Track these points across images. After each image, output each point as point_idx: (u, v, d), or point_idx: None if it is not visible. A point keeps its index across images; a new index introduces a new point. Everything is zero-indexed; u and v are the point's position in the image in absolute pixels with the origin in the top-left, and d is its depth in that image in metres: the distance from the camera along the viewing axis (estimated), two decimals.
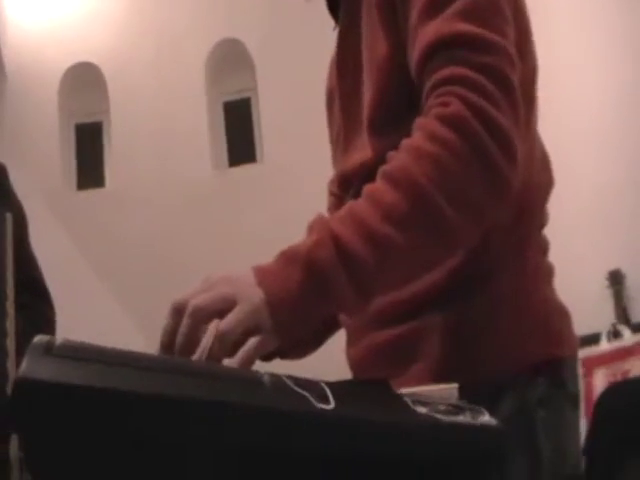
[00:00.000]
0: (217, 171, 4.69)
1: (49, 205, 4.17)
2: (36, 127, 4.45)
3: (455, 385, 0.71)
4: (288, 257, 0.77)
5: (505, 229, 0.94)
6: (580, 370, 2.62)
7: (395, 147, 0.88)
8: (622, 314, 3.65)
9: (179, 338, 0.73)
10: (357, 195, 0.90)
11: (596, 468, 1.69)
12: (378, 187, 0.82)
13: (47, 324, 1.78)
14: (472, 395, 0.85)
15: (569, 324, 1.04)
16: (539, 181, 1.02)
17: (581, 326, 3.32)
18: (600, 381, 2.92)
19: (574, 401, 1.02)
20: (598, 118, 3.93)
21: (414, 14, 0.92)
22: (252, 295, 0.75)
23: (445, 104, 0.83)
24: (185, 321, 0.73)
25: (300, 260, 0.76)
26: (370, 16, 1.02)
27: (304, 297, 0.76)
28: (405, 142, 0.85)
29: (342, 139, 1.09)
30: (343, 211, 0.82)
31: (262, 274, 0.77)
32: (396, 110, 0.95)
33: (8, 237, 1.13)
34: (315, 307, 0.78)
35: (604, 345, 3.11)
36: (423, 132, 0.84)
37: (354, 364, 1.03)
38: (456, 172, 0.81)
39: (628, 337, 3.03)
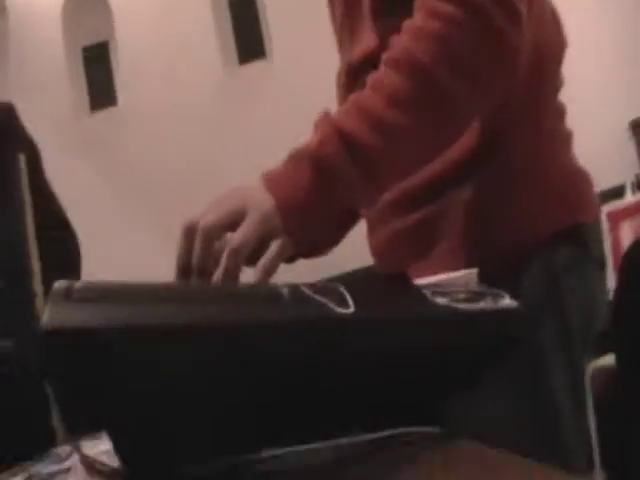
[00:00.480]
0: (227, 69, 4.62)
1: (64, 130, 4.17)
2: (42, 54, 4.40)
3: (474, 270, 0.71)
4: (295, 158, 0.76)
5: (518, 96, 0.91)
6: (606, 225, 2.61)
7: (400, 30, 0.85)
8: None
9: (194, 260, 0.73)
10: (365, 84, 0.89)
11: (627, 320, 1.71)
12: (380, 73, 0.80)
13: (73, 258, 1.81)
14: (497, 267, 0.86)
15: (590, 188, 1.03)
16: (550, 43, 0.99)
17: (605, 179, 3.30)
18: (626, 234, 2.88)
19: (599, 264, 1.02)
20: None
21: None
22: (261, 203, 0.74)
23: None
24: (197, 241, 0.72)
25: (307, 159, 0.75)
26: None
27: (315, 196, 0.75)
28: (406, 24, 0.82)
29: (346, 28, 1.06)
30: (347, 103, 0.79)
31: (270, 179, 0.75)
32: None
33: (24, 178, 1.14)
34: (328, 205, 0.77)
35: (629, 197, 3.07)
36: (423, 10, 0.81)
37: (376, 252, 1.03)
38: (460, 43, 0.79)
39: None
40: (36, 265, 1.12)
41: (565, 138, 1.03)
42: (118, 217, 4.09)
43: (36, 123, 4.01)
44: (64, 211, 1.80)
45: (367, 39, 0.99)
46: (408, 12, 0.86)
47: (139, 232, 4.08)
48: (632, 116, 4.05)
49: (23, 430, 1.02)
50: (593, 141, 3.91)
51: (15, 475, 0.78)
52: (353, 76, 1.06)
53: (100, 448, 0.70)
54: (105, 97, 4.49)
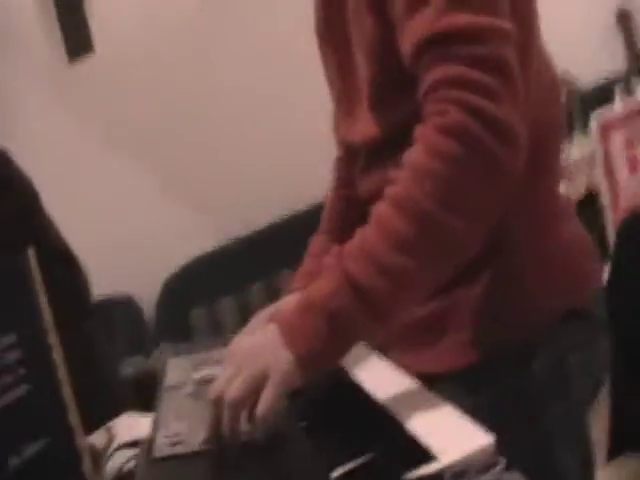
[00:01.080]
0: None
1: (44, 82, 4.11)
2: (11, 6, 4.29)
3: (490, 440, 0.76)
4: (309, 308, 0.83)
5: (516, 191, 0.94)
6: (596, 136, 2.61)
7: (400, 121, 0.93)
8: (635, 59, 3.56)
9: (225, 430, 0.80)
10: (364, 168, 0.94)
11: (620, 304, 1.75)
12: (386, 214, 0.85)
13: (82, 290, 1.85)
14: (506, 355, 0.91)
15: (591, 256, 1.07)
16: (546, 119, 1.01)
17: (593, 73, 3.28)
18: (617, 146, 2.87)
19: (603, 326, 1.06)
20: None
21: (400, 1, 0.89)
22: (281, 362, 0.82)
23: (442, 113, 0.83)
24: (226, 416, 0.80)
25: (321, 312, 0.82)
26: None
27: (331, 346, 0.83)
28: (407, 158, 0.87)
29: (343, 100, 1.09)
30: (355, 244, 0.86)
31: (288, 334, 0.83)
32: (395, 86, 0.96)
33: (36, 275, 1.16)
34: (343, 349, 0.87)
35: (618, 105, 3.04)
36: (423, 145, 0.84)
37: (382, 342, 1.08)
38: (461, 184, 0.83)
39: None
40: (59, 356, 1.16)
41: (564, 210, 1.06)
42: (108, 167, 4.09)
43: (16, 76, 3.96)
44: (68, 245, 1.83)
45: (366, 124, 1.02)
46: (409, 101, 0.88)
47: (132, 180, 4.09)
48: (618, 5, 3.98)
49: None
50: (577, 35, 3.85)
51: None
52: (352, 155, 1.09)
53: None
54: (81, 45, 4.40)
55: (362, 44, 1.01)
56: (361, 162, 1.07)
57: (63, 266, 1.78)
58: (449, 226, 0.83)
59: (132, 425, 1.49)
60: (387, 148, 1.01)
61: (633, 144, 2.75)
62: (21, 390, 1.09)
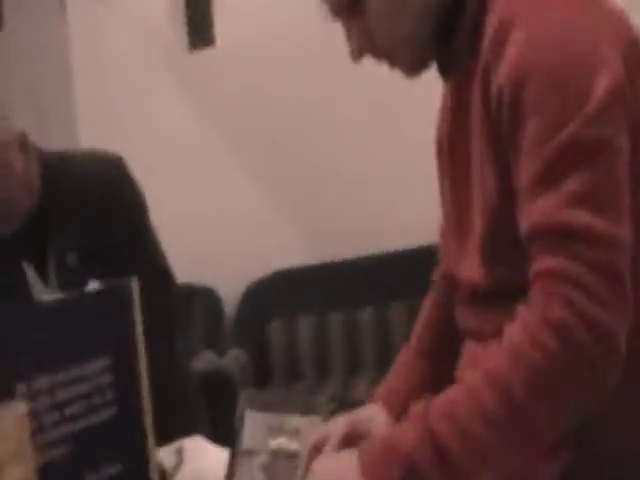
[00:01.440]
0: None
1: (161, 66, 4.21)
2: None
3: None
4: (391, 453, 0.87)
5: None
6: None
7: (508, 278, 0.97)
8: None
9: None
10: (465, 302, 0.96)
11: None
12: (479, 386, 0.88)
13: (172, 309, 1.90)
14: None
15: None
16: None
17: None
18: None
19: None
20: None
21: (525, 172, 0.92)
22: None
23: (549, 305, 0.86)
24: None
25: (402, 459, 0.87)
26: (480, 131, 1.01)
27: None
28: (508, 337, 0.89)
29: (452, 222, 1.11)
30: (444, 404, 0.90)
31: (367, 471, 0.88)
32: (507, 246, 0.98)
33: (136, 304, 1.21)
34: None
35: None
36: (526, 333, 0.87)
37: None
38: (555, 381, 0.86)
39: None
40: (145, 385, 1.20)
41: None
42: (215, 160, 4.16)
43: (140, 57, 4.05)
44: (167, 264, 1.87)
45: (473, 271, 1.06)
46: (518, 262, 0.90)
47: (234, 175, 4.15)
48: None
49: None
50: None
51: None
52: (452, 287, 1.15)
53: None
54: (204, 37, 4.49)
55: (481, 198, 1.04)
56: (462, 294, 1.10)
57: (161, 284, 1.83)
58: (535, 416, 0.87)
59: (201, 452, 1.53)
60: (491, 296, 1.04)
61: None
62: (108, 412, 1.15)
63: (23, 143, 1.67)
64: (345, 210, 4.06)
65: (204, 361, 3.56)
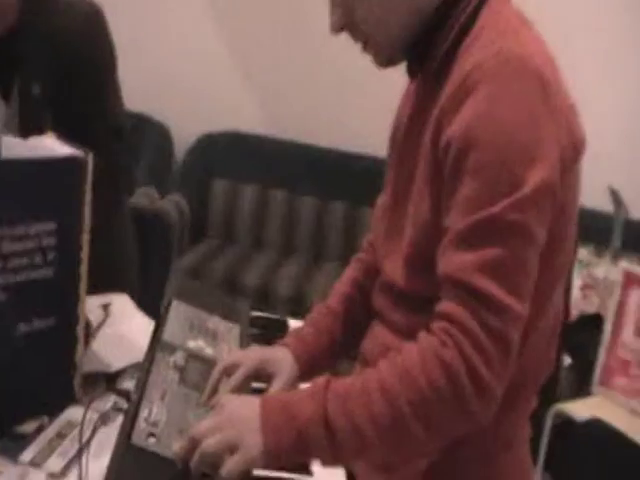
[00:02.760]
0: None
1: None
2: None
3: None
4: (288, 419, 0.99)
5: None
6: (620, 279, 2.73)
7: (422, 288, 1.11)
8: None
9: (192, 467, 0.98)
10: (382, 290, 1.21)
11: None
12: (373, 389, 1.01)
13: (127, 168, 1.94)
14: None
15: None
16: (533, 367, 1.18)
17: None
18: (632, 304, 3.02)
19: None
20: None
21: (452, 221, 1.03)
22: (252, 445, 0.98)
23: (445, 346, 0.99)
24: (195, 458, 0.98)
25: (296, 428, 0.99)
26: (425, 156, 1.11)
27: (293, 453, 1.00)
28: (407, 355, 1.02)
29: (388, 219, 1.24)
30: (344, 390, 1.02)
31: (266, 424, 0.99)
32: (427, 262, 1.09)
33: (88, 178, 1.25)
34: (302, 459, 1.05)
35: None
36: (420, 361, 1.00)
37: None
38: (436, 409, 0.99)
39: None
40: (86, 254, 1.26)
41: (518, 437, 1.23)
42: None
43: None
44: (125, 123, 1.89)
45: (396, 269, 1.17)
46: (433, 283, 1.04)
47: (212, 28, 4.08)
48: None
49: (47, 386, 1.24)
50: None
51: None
52: (374, 275, 1.29)
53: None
54: None
55: (415, 212, 1.14)
56: (382, 283, 1.21)
57: (113, 141, 1.86)
58: (412, 430, 0.99)
59: (127, 315, 1.62)
60: (405, 296, 1.17)
61: None
62: (46, 272, 1.22)
63: None
64: (315, 96, 4.04)
65: (145, 197, 3.59)
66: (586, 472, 2.63)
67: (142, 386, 1.13)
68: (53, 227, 1.21)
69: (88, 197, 1.26)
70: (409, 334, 1.07)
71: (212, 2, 4.11)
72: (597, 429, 2.60)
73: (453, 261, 1.01)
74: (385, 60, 1.16)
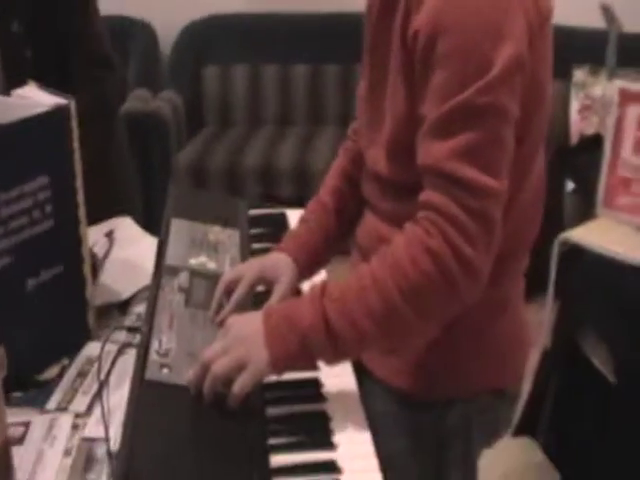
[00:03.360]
0: None
1: None
2: None
3: None
4: (290, 328, 1.07)
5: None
6: (617, 97, 2.75)
7: (405, 176, 1.15)
8: None
9: (205, 391, 1.07)
10: (368, 179, 1.26)
11: None
12: (366, 284, 1.08)
13: (117, 95, 1.99)
14: (431, 404, 1.24)
15: (519, 358, 1.34)
16: (520, 237, 1.24)
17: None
18: (630, 120, 3.00)
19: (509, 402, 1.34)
20: None
21: (427, 110, 1.07)
22: (260, 360, 1.07)
23: (430, 234, 1.05)
24: (207, 384, 1.07)
25: (299, 335, 1.07)
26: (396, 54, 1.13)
27: (299, 359, 1.09)
28: (394, 250, 1.08)
29: (368, 111, 1.27)
30: (339, 291, 1.09)
31: (270, 337, 1.08)
32: (408, 150, 1.13)
33: (74, 127, 1.31)
34: (308, 364, 1.13)
35: None
36: (408, 252, 1.07)
37: None
38: (426, 293, 1.07)
39: None
40: (82, 198, 1.34)
41: (513, 301, 1.30)
42: None
43: None
44: (111, 53, 1.93)
45: (379, 159, 1.21)
46: (415, 170, 1.06)
47: None
48: None
49: (62, 329, 1.34)
50: None
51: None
52: (360, 164, 1.31)
53: None
54: None
55: (392, 103, 1.16)
56: (368, 173, 1.28)
57: (100, 71, 1.91)
58: (406, 317, 1.07)
59: (131, 239, 1.70)
60: (390, 184, 1.21)
61: None
62: (46, 224, 1.30)
63: None
64: None
65: (138, 100, 3.62)
66: (593, 298, 2.74)
67: (150, 317, 1.22)
68: (46, 181, 1.27)
69: (76, 142, 1.31)
70: (398, 222, 1.13)
71: None
72: (601, 258, 2.68)
73: (430, 151, 1.06)
74: None
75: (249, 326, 1.10)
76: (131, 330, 1.36)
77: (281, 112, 4.01)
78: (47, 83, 1.36)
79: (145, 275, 1.47)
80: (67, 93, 1.32)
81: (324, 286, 1.10)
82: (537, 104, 1.14)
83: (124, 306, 1.48)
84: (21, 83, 1.38)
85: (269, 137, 3.86)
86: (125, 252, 1.64)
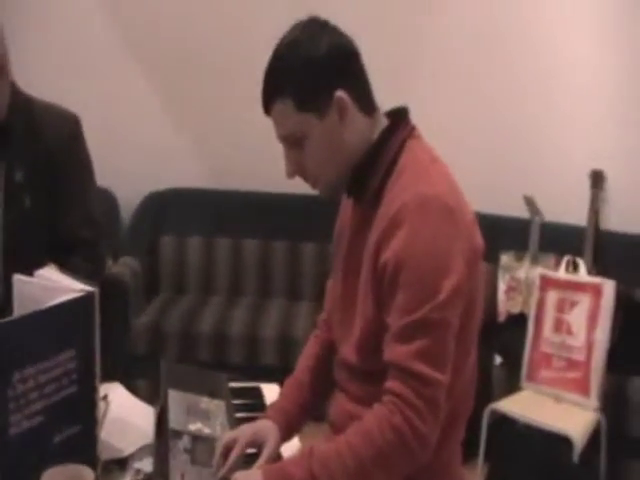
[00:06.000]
0: None
1: None
2: None
3: None
4: (286, 478, 1.38)
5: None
6: (538, 283, 3.16)
7: (373, 366, 1.48)
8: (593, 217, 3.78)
9: None
10: (340, 366, 1.61)
11: None
12: (344, 453, 1.39)
13: (100, 261, 2.24)
14: None
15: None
16: (462, 410, 1.59)
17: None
18: (550, 303, 3.45)
19: None
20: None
21: (392, 320, 1.42)
22: None
23: (393, 414, 1.39)
24: None
25: None
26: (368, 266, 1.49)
27: None
28: (366, 423, 1.42)
29: (339, 303, 1.62)
30: (326, 457, 1.41)
31: None
32: (376, 347, 1.47)
33: (96, 308, 1.56)
34: None
35: (562, 273, 3.55)
36: (377, 425, 1.40)
37: None
38: (390, 459, 1.39)
39: (583, 273, 3.45)
40: (99, 368, 1.58)
41: (454, 462, 1.63)
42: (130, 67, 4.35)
43: None
44: (98, 216, 2.21)
45: (350, 353, 1.57)
46: (381, 362, 1.45)
47: (151, 93, 4.37)
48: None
49: None
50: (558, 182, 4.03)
51: None
52: (331, 351, 1.68)
53: None
54: None
55: (362, 307, 1.51)
56: (339, 361, 1.63)
57: (92, 230, 2.19)
58: (373, 474, 1.40)
59: (126, 405, 1.92)
60: (360, 372, 1.55)
61: (563, 309, 3.32)
62: (71, 390, 1.52)
63: (3, 66, 1.98)
64: (252, 146, 4.31)
65: None
66: (520, 461, 3.03)
67: (166, 475, 1.47)
68: (73, 353, 1.52)
69: (97, 320, 1.56)
70: (364, 402, 1.47)
71: (143, 62, 4.41)
72: (525, 427, 2.99)
73: (394, 351, 1.41)
74: (330, 194, 1.57)
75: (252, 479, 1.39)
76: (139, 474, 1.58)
77: (232, 282, 4.29)
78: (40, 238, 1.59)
79: (143, 435, 1.71)
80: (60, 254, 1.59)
81: (311, 449, 1.41)
82: (472, 313, 1.50)
83: (123, 462, 1.68)
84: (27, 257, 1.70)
85: (220, 305, 4.11)
86: (121, 413, 1.84)
